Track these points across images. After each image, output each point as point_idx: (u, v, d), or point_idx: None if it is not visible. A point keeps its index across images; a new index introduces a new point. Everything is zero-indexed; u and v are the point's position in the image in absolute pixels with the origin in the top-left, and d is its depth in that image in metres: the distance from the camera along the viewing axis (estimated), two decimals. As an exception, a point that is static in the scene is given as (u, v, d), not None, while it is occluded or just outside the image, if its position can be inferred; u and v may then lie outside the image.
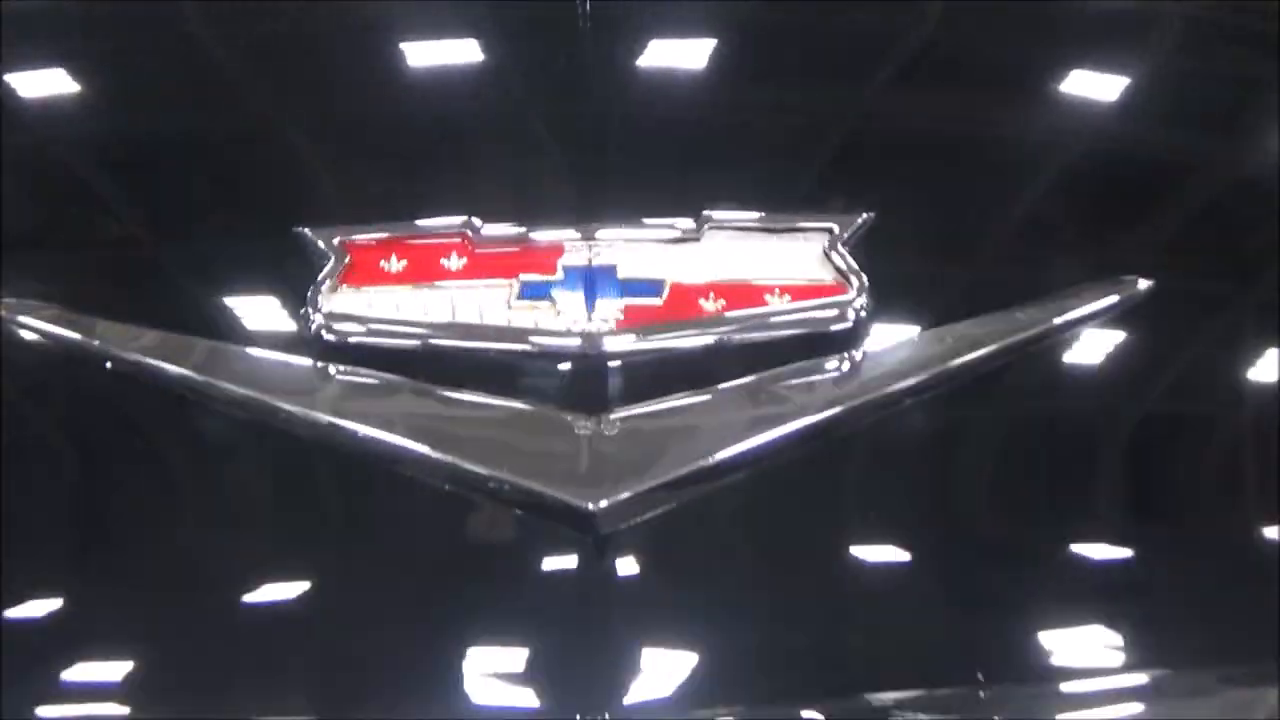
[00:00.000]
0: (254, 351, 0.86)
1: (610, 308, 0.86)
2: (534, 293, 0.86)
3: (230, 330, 0.88)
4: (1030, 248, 0.93)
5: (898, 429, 0.85)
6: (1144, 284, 0.89)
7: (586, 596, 0.80)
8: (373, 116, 1.00)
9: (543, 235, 0.88)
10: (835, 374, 0.85)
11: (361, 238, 0.88)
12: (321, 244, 0.88)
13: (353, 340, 0.85)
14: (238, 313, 0.90)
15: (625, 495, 0.79)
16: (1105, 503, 0.87)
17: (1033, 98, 1.04)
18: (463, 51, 1.04)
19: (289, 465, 0.85)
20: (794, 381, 0.85)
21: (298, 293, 0.86)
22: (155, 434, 0.88)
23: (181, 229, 0.95)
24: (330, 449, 0.83)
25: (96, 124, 1.03)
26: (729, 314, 0.86)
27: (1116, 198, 0.98)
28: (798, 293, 0.87)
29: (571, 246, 0.87)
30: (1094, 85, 1.04)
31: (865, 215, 0.89)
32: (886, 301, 0.87)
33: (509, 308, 0.86)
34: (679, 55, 1.01)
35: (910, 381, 0.84)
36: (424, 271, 0.87)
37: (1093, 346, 0.89)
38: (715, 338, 0.86)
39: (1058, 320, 0.87)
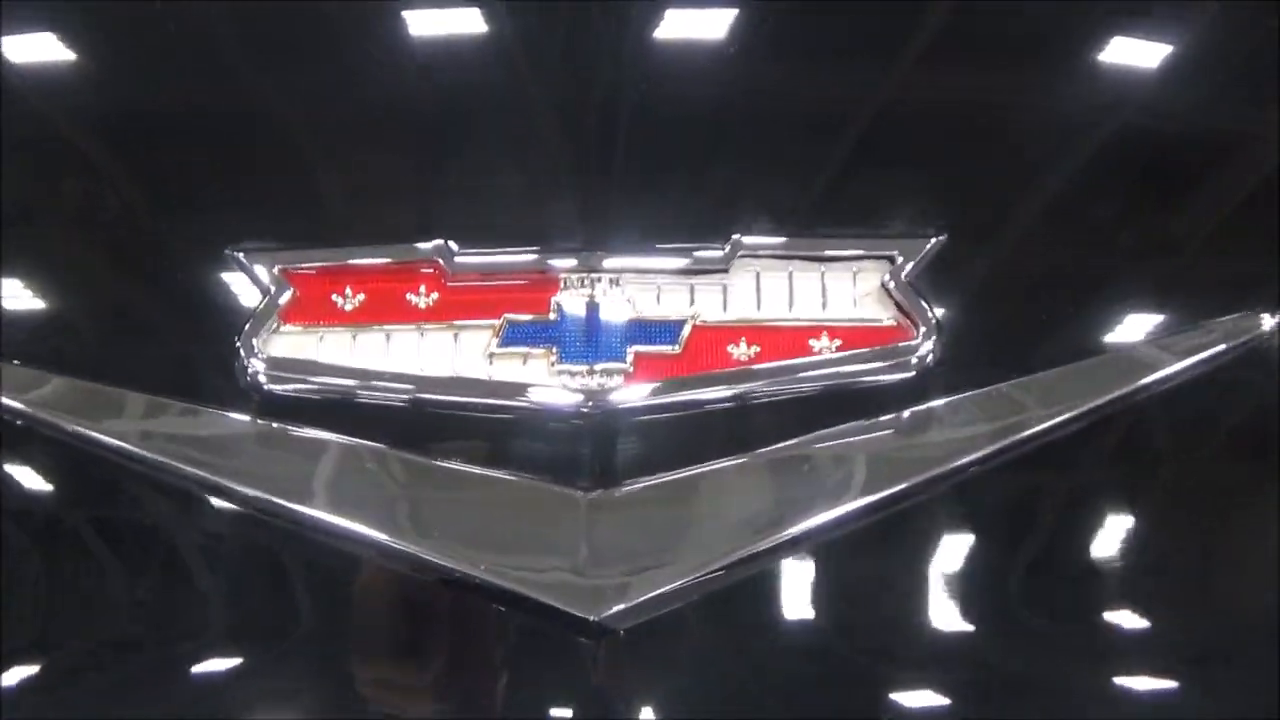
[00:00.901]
0: (175, 403, 0.70)
1: (616, 357, 0.70)
2: (522, 337, 0.71)
3: (149, 374, 0.72)
4: (1134, 274, 0.76)
5: (972, 509, 0.70)
6: (1269, 321, 0.73)
7: (585, 703, 0.66)
8: (324, 112, 0.82)
9: (533, 264, 0.71)
10: (895, 439, 0.69)
11: (308, 265, 0.72)
12: (260, 271, 0.71)
13: (297, 393, 0.70)
14: (160, 353, 0.74)
15: (633, 601, 0.65)
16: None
17: (1123, 88, 0.85)
18: (442, 36, 0.85)
19: (219, 550, 0.70)
20: (844, 449, 0.69)
21: (231, 331, 0.71)
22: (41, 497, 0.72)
23: (97, 245, 0.78)
24: (270, 531, 0.68)
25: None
26: (763, 365, 0.70)
27: (1235, 210, 0.80)
28: (850, 337, 0.71)
29: (569, 279, 0.71)
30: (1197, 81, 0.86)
31: (934, 239, 0.72)
32: (960, 347, 0.71)
33: (490, 356, 0.70)
34: (703, 42, 0.82)
35: (987, 449, 0.69)
36: (386, 308, 0.71)
37: (1208, 403, 0.73)
38: (746, 394, 0.70)
39: (1164, 371, 0.71)
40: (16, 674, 0.67)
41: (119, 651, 0.69)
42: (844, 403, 0.70)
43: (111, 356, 0.73)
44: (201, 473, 0.68)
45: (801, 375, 0.70)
